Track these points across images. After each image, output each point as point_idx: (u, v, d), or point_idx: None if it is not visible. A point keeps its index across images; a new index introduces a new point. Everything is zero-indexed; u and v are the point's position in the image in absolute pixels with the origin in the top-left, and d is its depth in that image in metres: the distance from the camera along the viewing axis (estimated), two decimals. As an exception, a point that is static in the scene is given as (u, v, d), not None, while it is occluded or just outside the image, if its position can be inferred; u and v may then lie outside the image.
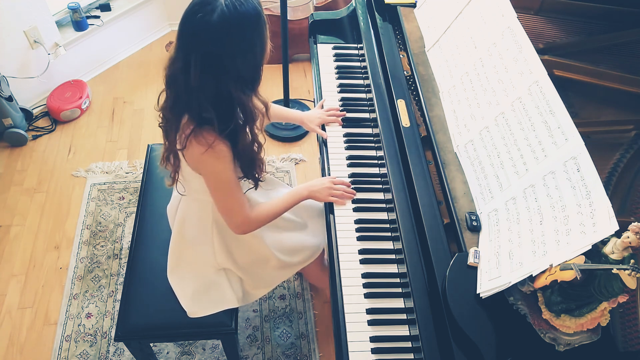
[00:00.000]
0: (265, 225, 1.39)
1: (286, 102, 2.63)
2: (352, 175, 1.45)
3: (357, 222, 1.34)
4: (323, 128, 1.57)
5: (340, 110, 1.59)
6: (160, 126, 1.25)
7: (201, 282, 1.46)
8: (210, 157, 1.16)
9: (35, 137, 2.62)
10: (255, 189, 1.36)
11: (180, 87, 1.11)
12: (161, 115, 1.22)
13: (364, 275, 1.24)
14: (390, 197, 1.30)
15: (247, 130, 1.19)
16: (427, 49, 1.54)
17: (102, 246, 2.19)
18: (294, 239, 1.54)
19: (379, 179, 1.44)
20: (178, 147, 1.19)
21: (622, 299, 0.89)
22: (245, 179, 1.30)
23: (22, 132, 2.54)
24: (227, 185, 1.24)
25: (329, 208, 1.38)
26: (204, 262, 1.45)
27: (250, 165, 1.26)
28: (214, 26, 1.04)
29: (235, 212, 1.29)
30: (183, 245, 1.45)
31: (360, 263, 1.26)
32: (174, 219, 1.47)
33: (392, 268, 1.25)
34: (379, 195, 1.40)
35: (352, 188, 1.40)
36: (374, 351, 1.12)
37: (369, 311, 1.18)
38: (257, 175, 1.30)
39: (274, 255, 1.47)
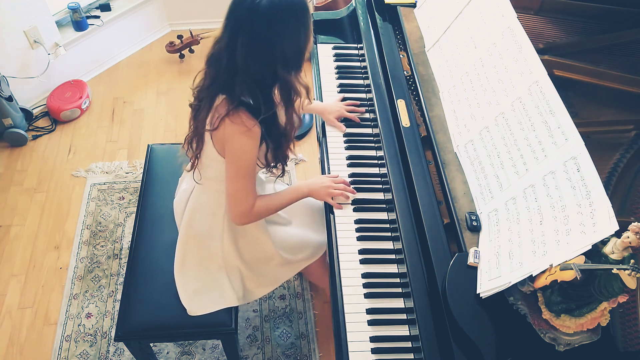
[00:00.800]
0: (267, 223, 1.38)
1: (286, 102, 2.63)
2: (352, 175, 1.45)
3: (357, 222, 1.34)
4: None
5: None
6: (190, 106, 1.28)
7: (203, 280, 1.46)
8: (244, 136, 1.19)
9: (35, 137, 2.62)
10: (282, 175, 1.37)
11: (221, 66, 1.15)
12: (195, 94, 1.25)
13: (364, 275, 1.24)
14: (390, 197, 1.30)
15: (286, 111, 1.22)
16: (427, 49, 1.54)
17: (102, 246, 2.19)
18: (297, 236, 1.54)
19: (379, 179, 1.44)
20: (207, 127, 1.22)
21: (622, 299, 0.89)
22: (268, 167, 1.31)
23: (22, 132, 2.54)
24: (246, 169, 1.26)
25: (329, 208, 1.38)
26: (210, 257, 1.46)
27: (280, 147, 1.28)
28: (262, 12, 1.08)
29: (243, 199, 1.30)
30: (190, 239, 1.45)
31: (360, 263, 1.26)
32: (182, 214, 1.47)
33: (392, 268, 1.25)
34: (379, 195, 1.40)
35: (352, 188, 1.40)
36: (374, 351, 1.12)
37: (369, 311, 1.18)
38: (284, 157, 1.32)
39: (278, 253, 1.48)
